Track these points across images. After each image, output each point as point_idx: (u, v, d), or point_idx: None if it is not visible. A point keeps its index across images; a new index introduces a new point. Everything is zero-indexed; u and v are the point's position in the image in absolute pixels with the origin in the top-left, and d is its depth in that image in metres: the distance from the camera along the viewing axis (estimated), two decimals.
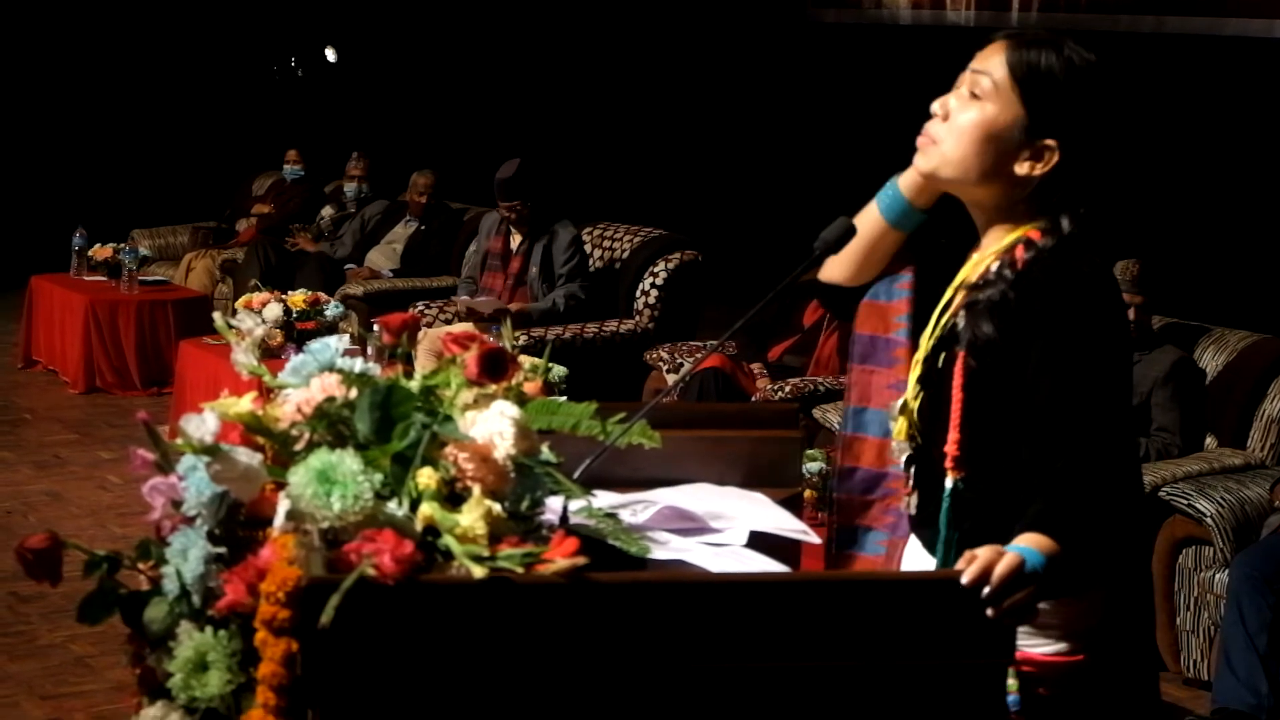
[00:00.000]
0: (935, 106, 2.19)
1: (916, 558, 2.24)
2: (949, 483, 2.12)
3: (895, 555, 2.30)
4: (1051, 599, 1.93)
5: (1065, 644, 2.10)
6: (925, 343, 2.22)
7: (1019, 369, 2.06)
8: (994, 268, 2.13)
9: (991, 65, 2.15)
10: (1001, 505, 2.02)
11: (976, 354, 2.09)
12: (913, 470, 2.24)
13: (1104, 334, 2.06)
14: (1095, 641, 2.11)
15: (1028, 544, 1.87)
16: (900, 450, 2.24)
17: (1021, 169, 2.13)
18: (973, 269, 2.21)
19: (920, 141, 2.20)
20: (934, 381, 2.17)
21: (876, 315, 2.36)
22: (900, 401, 2.23)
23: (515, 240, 7.90)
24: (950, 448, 2.11)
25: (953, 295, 2.23)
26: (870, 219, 2.29)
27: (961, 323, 2.13)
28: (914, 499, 2.24)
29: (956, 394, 2.11)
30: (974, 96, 2.15)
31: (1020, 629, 2.04)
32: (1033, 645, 2.10)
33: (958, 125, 2.15)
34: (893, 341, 2.34)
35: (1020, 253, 2.12)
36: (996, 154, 2.13)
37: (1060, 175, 2.13)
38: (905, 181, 2.27)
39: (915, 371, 2.21)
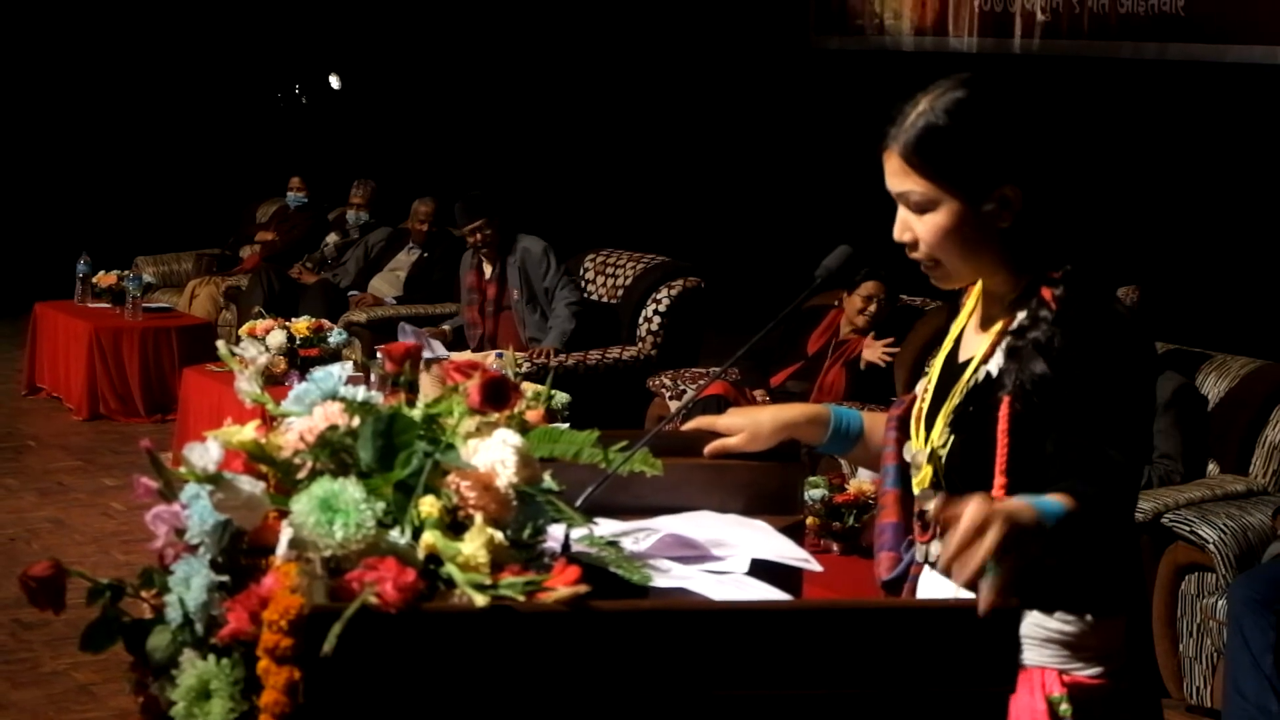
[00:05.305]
0: (902, 237, 2.20)
1: (932, 586, 2.23)
2: None
3: (912, 585, 2.30)
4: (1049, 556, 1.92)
5: (1100, 666, 2.14)
6: (926, 389, 2.23)
7: (1059, 407, 2.07)
8: (1026, 313, 2.15)
9: (900, 182, 2.17)
10: None
11: (1024, 397, 2.10)
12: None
13: (1137, 379, 2.10)
14: (1122, 665, 2.15)
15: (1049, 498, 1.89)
16: (924, 498, 2.24)
17: (1004, 223, 2.15)
18: (978, 310, 2.23)
19: (928, 271, 2.21)
20: (966, 427, 2.18)
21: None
22: (926, 450, 2.24)
23: (487, 270, 8.01)
24: (997, 493, 2.11)
25: (959, 333, 2.25)
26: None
27: (998, 369, 2.15)
28: (932, 546, 2.24)
29: (1002, 439, 2.11)
30: (920, 212, 2.17)
31: (1059, 652, 2.12)
32: (1075, 668, 2.13)
33: (933, 243, 2.16)
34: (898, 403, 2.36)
35: (1048, 293, 2.14)
36: (978, 235, 2.15)
37: (1038, 201, 2.14)
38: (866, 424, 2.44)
39: (941, 420, 2.22)
